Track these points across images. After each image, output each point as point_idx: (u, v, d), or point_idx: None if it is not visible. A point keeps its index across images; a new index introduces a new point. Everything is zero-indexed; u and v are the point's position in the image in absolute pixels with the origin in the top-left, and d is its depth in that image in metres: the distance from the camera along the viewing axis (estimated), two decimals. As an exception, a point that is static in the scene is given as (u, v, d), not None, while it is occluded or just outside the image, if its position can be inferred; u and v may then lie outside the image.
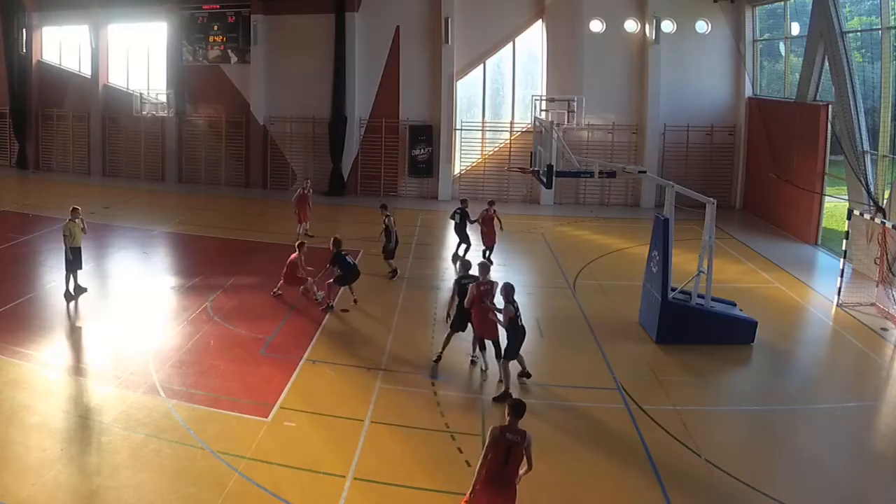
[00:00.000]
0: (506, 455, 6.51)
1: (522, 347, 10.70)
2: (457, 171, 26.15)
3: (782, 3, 22.15)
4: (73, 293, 13.90)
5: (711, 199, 12.31)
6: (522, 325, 10.36)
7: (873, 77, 16.62)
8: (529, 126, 23.91)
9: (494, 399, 10.09)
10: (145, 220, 21.37)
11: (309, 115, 26.36)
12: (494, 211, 17.13)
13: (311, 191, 19.66)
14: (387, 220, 16.12)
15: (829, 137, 19.04)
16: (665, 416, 9.76)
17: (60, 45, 29.49)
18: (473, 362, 11.30)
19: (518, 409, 6.73)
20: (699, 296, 12.47)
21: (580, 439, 9.32)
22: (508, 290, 10.24)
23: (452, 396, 10.28)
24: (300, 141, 26.87)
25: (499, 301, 10.53)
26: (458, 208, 17.53)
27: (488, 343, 10.92)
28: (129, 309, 13.59)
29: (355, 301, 14.00)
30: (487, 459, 6.53)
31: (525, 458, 6.61)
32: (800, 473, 8.64)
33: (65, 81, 29.30)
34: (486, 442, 6.60)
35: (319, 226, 20.86)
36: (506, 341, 10.29)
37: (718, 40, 24.33)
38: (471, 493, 6.67)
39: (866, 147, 16.90)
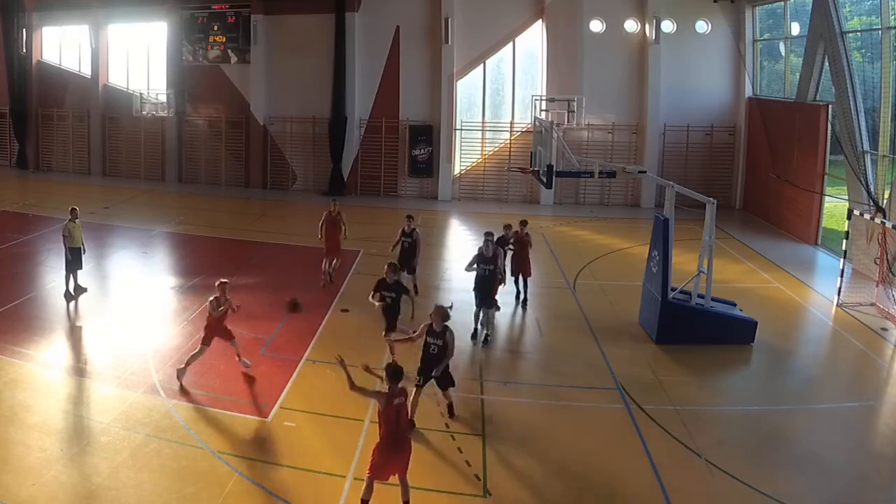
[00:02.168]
0: (396, 418, 7.28)
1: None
2: (457, 171, 26.15)
3: (782, 3, 22.15)
4: (73, 293, 13.91)
5: (711, 199, 12.31)
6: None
7: (873, 77, 16.62)
8: (529, 126, 23.90)
9: (450, 415, 9.66)
10: (145, 220, 21.37)
11: (309, 115, 26.37)
12: (527, 234, 14.32)
13: (340, 213, 15.49)
14: (415, 232, 14.22)
15: (829, 137, 19.04)
16: (665, 416, 9.75)
17: (60, 45, 29.51)
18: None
19: (395, 374, 7.40)
20: (699, 296, 12.47)
21: (580, 439, 9.31)
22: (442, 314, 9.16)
23: (452, 397, 10.26)
24: (300, 141, 26.88)
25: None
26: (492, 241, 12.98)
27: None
28: (129, 309, 13.59)
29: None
30: (382, 425, 7.26)
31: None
32: (800, 473, 8.63)
33: (65, 81, 29.31)
34: (379, 410, 7.28)
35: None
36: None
37: (718, 40, 24.34)
38: (374, 459, 7.29)
39: (866, 147, 16.90)
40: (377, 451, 7.31)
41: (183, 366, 10.41)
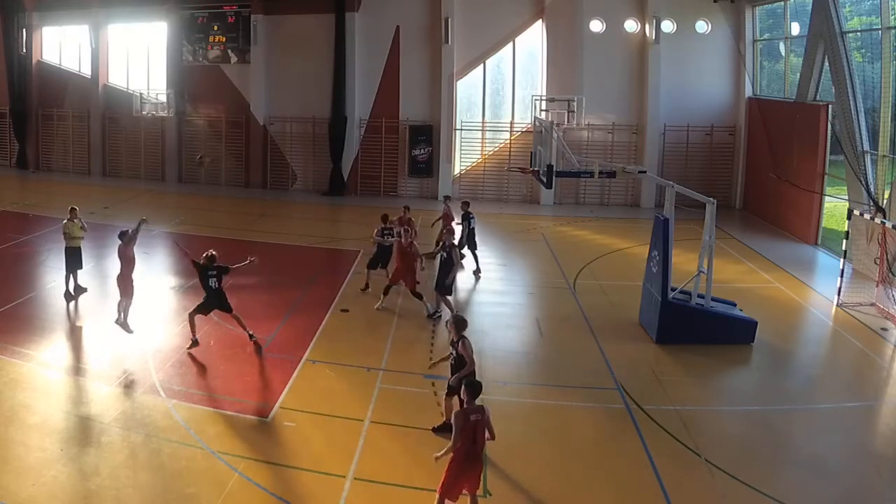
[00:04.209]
0: (473, 435, 7.02)
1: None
2: (457, 171, 26.14)
3: (782, 3, 22.15)
4: (73, 293, 13.90)
5: (711, 199, 12.31)
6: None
7: (873, 77, 16.61)
8: (529, 126, 23.90)
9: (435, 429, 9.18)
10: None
11: (309, 115, 26.36)
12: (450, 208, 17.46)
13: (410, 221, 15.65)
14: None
15: (829, 137, 19.04)
16: (665, 416, 9.76)
17: (60, 45, 29.50)
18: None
19: (475, 388, 7.26)
20: (699, 296, 12.46)
21: (580, 439, 9.32)
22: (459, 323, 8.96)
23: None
24: (300, 141, 26.88)
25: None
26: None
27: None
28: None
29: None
30: (458, 444, 7.00)
31: (487, 430, 7.18)
32: (800, 473, 8.63)
33: (65, 81, 29.31)
34: (454, 428, 7.02)
35: (320, 226, 20.92)
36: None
37: (718, 40, 24.33)
38: (447, 476, 7.08)
39: (866, 147, 16.89)
40: (449, 469, 7.07)
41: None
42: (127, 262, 12.44)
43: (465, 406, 7.19)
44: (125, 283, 12.41)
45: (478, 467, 7.18)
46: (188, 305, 13.66)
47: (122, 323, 12.38)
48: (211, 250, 11.96)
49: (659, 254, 12.40)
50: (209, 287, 11.65)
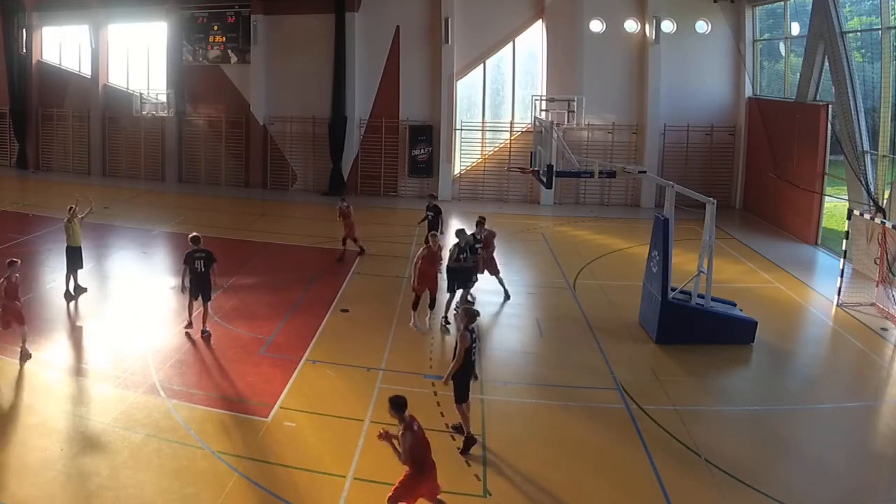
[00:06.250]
0: (428, 444, 7.18)
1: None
2: (457, 171, 26.15)
3: (782, 3, 22.15)
4: (73, 293, 13.90)
5: (711, 199, 12.31)
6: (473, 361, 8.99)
7: (873, 77, 16.62)
8: (529, 126, 23.90)
9: (461, 452, 8.81)
10: (145, 220, 21.36)
11: (309, 115, 26.37)
12: (348, 206, 17.60)
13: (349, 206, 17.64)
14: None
15: (829, 137, 19.04)
16: (665, 416, 9.76)
17: (60, 45, 29.51)
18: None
19: (395, 404, 7.13)
20: (699, 296, 12.46)
21: (580, 439, 9.31)
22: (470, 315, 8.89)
23: (452, 396, 10.26)
24: (300, 141, 26.88)
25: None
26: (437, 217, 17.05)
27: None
28: (129, 309, 13.58)
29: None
30: (422, 453, 7.09)
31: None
32: (800, 473, 8.64)
33: (65, 81, 29.31)
34: (412, 441, 6.97)
35: (320, 226, 20.90)
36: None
37: (718, 40, 24.33)
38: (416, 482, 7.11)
39: (866, 147, 16.90)
40: (426, 479, 7.09)
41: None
42: (10, 294, 11.06)
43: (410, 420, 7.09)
44: (14, 312, 11.01)
45: (435, 474, 7.18)
46: (188, 305, 13.69)
47: (24, 352, 10.90)
48: (195, 232, 12.53)
49: (659, 254, 12.40)
50: (194, 269, 11.98)
